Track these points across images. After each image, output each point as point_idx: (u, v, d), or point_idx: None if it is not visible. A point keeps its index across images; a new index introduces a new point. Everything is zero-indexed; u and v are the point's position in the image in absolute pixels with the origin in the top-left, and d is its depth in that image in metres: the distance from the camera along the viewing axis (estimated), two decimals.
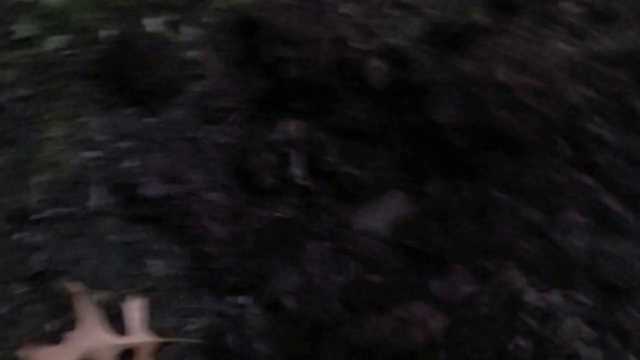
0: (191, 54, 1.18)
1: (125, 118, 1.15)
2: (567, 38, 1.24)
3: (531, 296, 1.08)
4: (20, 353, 1.03)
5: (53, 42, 1.14)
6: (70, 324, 1.06)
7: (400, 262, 1.16)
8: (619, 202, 1.19)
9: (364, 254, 1.14)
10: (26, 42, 1.14)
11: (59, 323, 1.06)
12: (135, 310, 1.07)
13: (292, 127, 1.17)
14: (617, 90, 1.23)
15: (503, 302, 1.08)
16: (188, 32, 1.18)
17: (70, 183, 1.12)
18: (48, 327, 1.06)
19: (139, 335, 1.05)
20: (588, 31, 1.25)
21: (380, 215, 1.20)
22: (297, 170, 1.17)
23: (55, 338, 1.05)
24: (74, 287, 1.06)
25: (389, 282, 1.13)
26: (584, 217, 1.18)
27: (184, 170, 1.12)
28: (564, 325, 1.06)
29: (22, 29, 1.14)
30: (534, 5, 1.25)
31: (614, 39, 1.24)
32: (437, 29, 1.22)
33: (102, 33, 1.16)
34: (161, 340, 1.06)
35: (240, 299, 1.10)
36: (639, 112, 1.22)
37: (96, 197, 1.11)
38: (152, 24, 1.17)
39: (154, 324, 1.07)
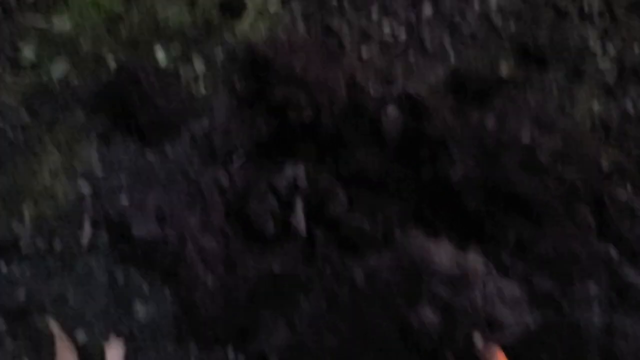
0: (199, 89, 1.13)
1: (125, 152, 1.11)
2: (601, 98, 1.16)
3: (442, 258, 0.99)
4: None
5: (60, 69, 1.11)
6: None
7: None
8: None
9: (361, 312, 1.07)
10: (33, 67, 1.11)
11: None
12: (116, 355, 1.02)
13: (299, 173, 1.12)
14: None
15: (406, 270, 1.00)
16: (198, 67, 1.13)
17: (65, 216, 1.08)
18: None
19: None
20: (624, 91, 1.17)
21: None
22: (300, 220, 1.11)
23: None
24: (55, 326, 1.02)
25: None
26: (602, 290, 1.10)
27: (181, 211, 1.08)
28: (482, 289, 0.98)
29: (30, 53, 1.11)
30: (568, 61, 1.17)
31: None
32: (461, 80, 1.15)
33: (112, 63, 1.12)
34: None
35: (227, 351, 1.04)
36: None
37: (89, 233, 1.07)
38: (163, 56, 1.13)
39: None
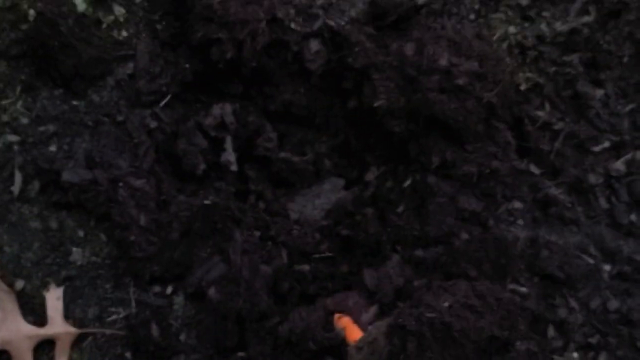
0: (121, 34, 1.13)
1: (51, 101, 1.11)
2: (516, 21, 1.20)
3: None
4: None
5: None
6: None
7: (335, 251, 1.13)
8: (564, 191, 1.15)
9: (295, 243, 1.10)
10: None
11: None
12: (55, 299, 1.04)
13: (226, 111, 1.13)
14: (566, 76, 1.19)
15: None
16: (118, 12, 1.13)
17: None
18: None
19: (59, 325, 1.03)
20: (539, 13, 1.20)
21: (318, 203, 1.17)
22: (230, 156, 1.13)
23: None
24: None
25: (321, 273, 1.10)
26: (526, 206, 1.14)
27: (111, 155, 1.09)
28: None
29: None
30: None
31: (564, 22, 1.19)
32: (380, 10, 1.17)
33: (31, 12, 1.11)
34: (82, 330, 1.03)
35: (165, 289, 1.07)
36: (589, 98, 1.18)
37: (20, 183, 1.08)
38: (82, 2, 1.12)
39: (75, 314, 1.04)
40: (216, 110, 1.14)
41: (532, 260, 1.11)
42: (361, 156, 1.19)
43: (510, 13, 1.20)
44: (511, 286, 1.10)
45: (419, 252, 1.10)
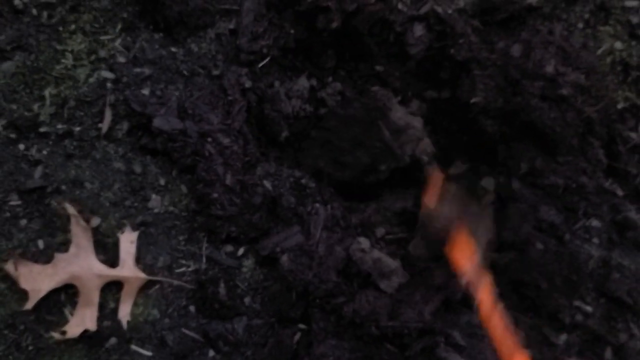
0: None
1: (150, 43, 1.10)
2: (624, 38, 1.17)
3: None
4: (8, 267, 1.00)
5: None
6: (62, 245, 1.03)
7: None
8: None
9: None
10: None
11: (51, 242, 1.03)
12: (129, 242, 1.04)
13: (317, 82, 1.12)
14: None
15: None
16: None
17: (85, 101, 1.07)
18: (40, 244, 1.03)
19: (130, 268, 1.03)
20: None
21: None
22: None
23: (45, 257, 1.02)
24: (71, 208, 1.02)
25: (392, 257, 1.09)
26: (604, 226, 1.13)
27: (203, 109, 1.07)
28: None
29: None
30: None
31: None
32: (491, 5, 1.15)
33: None
34: (151, 277, 1.03)
35: (237, 250, 1.06)
36: None
37: (109, 121, 1.07)
38: None
39: (146, 260, 1.04)
40: (312, 80, 1.13)
41: (601, 281, 1.10)
42: (446, 149, 1.18)
43: (619, 28, 1.18)
44: (577, 303, 1.09)
45: (492, 255, 1.10)
